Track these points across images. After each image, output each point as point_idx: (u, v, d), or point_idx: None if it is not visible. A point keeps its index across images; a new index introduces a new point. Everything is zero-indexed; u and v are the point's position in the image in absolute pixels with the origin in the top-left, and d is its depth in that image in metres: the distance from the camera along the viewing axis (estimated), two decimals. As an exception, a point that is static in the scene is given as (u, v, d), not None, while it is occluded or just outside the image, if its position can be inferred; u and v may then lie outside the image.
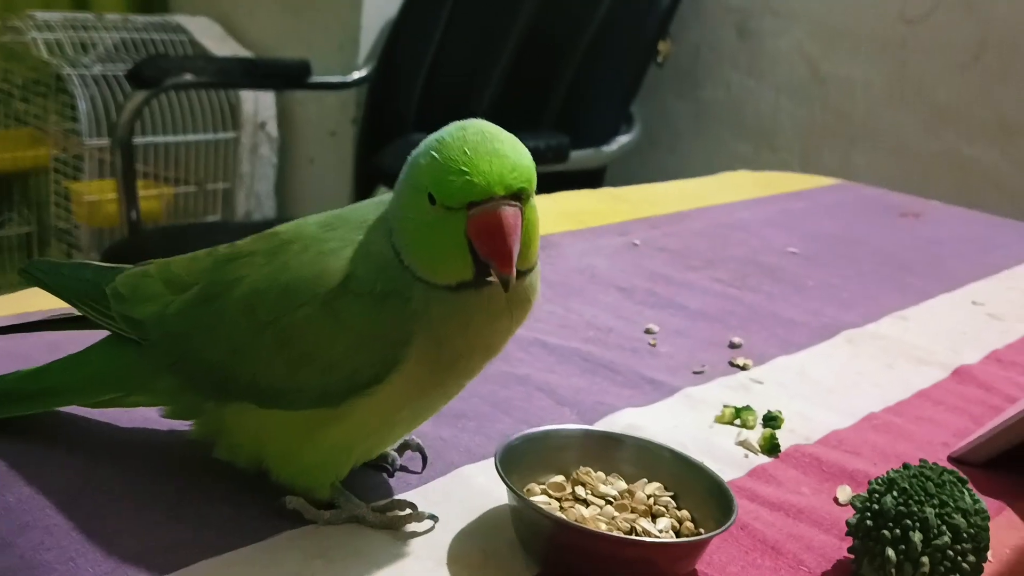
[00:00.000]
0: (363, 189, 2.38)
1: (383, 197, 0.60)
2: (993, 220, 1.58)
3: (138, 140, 2.47)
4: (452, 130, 0.54)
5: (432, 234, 0.54)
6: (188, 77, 2.18)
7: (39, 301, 0.80)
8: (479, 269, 0.54)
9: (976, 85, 2.04)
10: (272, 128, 2.83)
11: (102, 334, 0.65)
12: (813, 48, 2.25)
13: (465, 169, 0.52)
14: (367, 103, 2.40)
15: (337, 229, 0.59)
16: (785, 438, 0.76)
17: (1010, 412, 0.78)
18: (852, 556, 0.61)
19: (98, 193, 2.51)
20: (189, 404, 0.61)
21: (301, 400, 0.57)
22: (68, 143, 2.61)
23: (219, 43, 2.76)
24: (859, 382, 0.90)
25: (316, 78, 2.30)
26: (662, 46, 2.27)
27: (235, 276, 0.59)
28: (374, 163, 2.03)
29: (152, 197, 2.57)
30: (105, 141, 2.54)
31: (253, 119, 2.78)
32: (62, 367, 0.65)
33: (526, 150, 0.54)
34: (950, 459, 0.77)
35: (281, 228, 0.61)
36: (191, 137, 2.66)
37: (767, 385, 0.87)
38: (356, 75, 2.40)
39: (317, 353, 0.56)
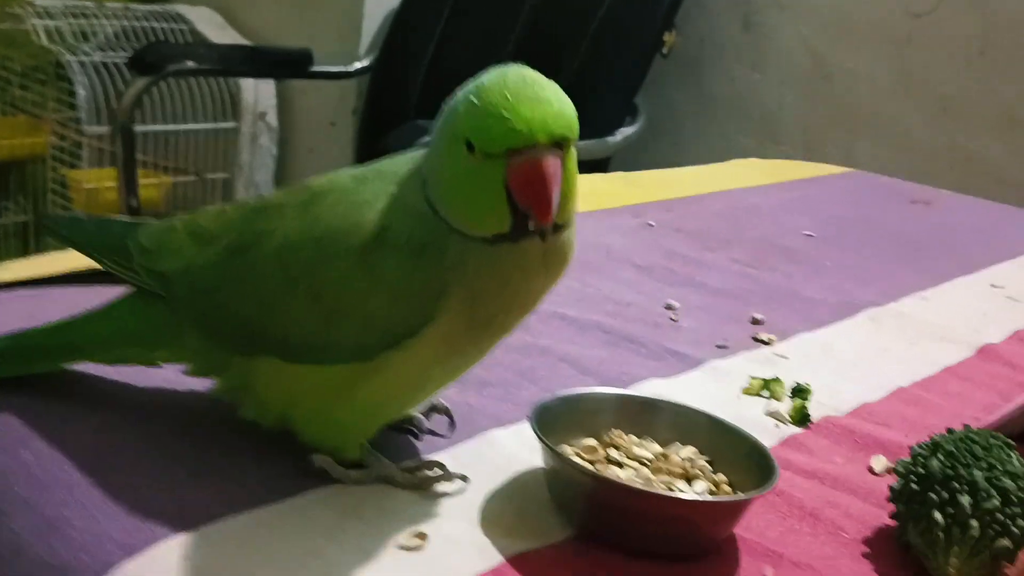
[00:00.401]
0: (364, 180, 2.36)
1: (416, 151, 0.59)
2: (1002, 208, 1.57)
3: (137, 128, 2.45)
4: (492, 75, 0.53)
5: (469, 183, 0.52)
6: (190, 64, 2.16)
7: (57, 265, 0.78)
8: (517, 220, 0.52)
9: (981, 79, 2.04)
10: (272, 118, 2.80)
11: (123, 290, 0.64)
12: (818, 41, 2.24)
13: (506, 115, 0.50)
14: (368, 93, 2.38)
15: (371, 182, 0.57)
16: (815, 410, 0.75)
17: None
18: (894, 523, 0.60)
19: (96, 181, 2.48)
20: (214, 360, 0.60)
21: (333, 355, 0.56)
22: (66, 131, 2.59)
23: (219, 32, 2.74)
24: (884, 358, 0.89)
25: (318, 67, 2.28)
26: (667, 37, 2.25)
27: (266, 228, 0.57)
28: (380, 147, 2.02)
29: (151, 186, 2.54)
30: (104, 129, 2.52)
31: (253, 109, 2.76)
32: (84, 322, 0.63)
33: (567, 98, 0.53)
34: (983, 432, 0.76)
35: (312, 180, 0.59)
36: (191, 126, 2.64)
37: (792, 360, 0.85)
38: (358, 65, 2.38)
39: (352, 307, 0.54)
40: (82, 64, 2.51)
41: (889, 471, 0.69)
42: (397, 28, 2.32)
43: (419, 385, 0.58)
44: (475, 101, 0.52)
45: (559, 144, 0.51)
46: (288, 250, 0.56)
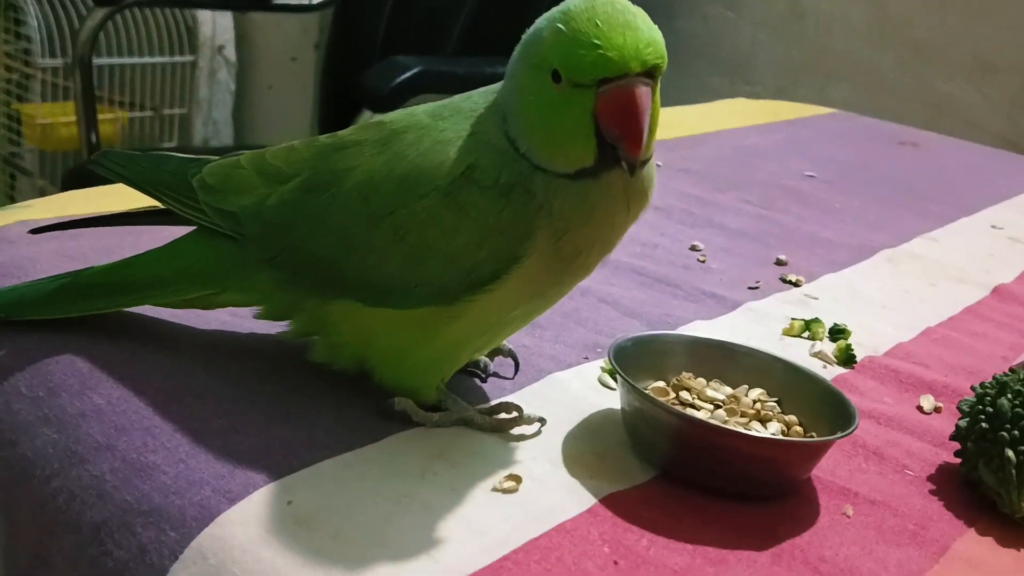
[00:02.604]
0: (329, 115, 2.31)
1: (493, 86, 0.57)
2: (985, 150, 1.59)
3: (93, 61, 2.37)
4: (578, 1, 0.51)
5: (555, 114, 0.51)
6: (151, -6, 2.09)
7: (85, 204, 0.76)
8: (602, 154, 0.51)
9: (954, 22, 2.05)
10: (230, 52, 2.73)
11: (171, 231, 0.62)
12: (792, -19, 2.23)
13: (598, 42, 0.49)
14: (332, 28, 2.31)
15: (449, 118, 0.56)
16: (855, 350, 0.76)
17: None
18: (955, 461, 0.61)
19: (51, 116, 2.40)
20: (287, 302, 0.58)
21: (414, 298, 0.55)
22: (14, 63, 2.49)
23: (175, -38, 2.64)
24: (907, 299, 0.90)
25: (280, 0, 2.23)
26: (643, -27, 2.23)
27: (344, 166, 0.55)
28: (358, 84, 1.97)
29: (107, 121, 2.47)
30: (57, 62, 2.43)
31: (211, 43, 2.68)
32: (146, 261, 0.61)
33: (655, 25, 0.51)
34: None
35: (387, 117, 0.57)
36: (147, 60, 2.56)
37: (822, 300, 0.86)
38: (321, -3, 2.32)
39: (437, 246, 0.53)
40: (34, -7, 2.41)
41: (937, 410, 0.70)
42: (361, -41, 2.25)
43: (498, 328, 0.58)
44: (562, 28, 0.50)
45: (649, 73, 0.50)
46: (371, 187, 0.54)
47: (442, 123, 0.55)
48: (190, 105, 2.70)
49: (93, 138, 2.06)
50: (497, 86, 0.56)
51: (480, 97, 0.57)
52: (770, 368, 0.62)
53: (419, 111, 0.57)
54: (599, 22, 0.49)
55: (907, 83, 2.12)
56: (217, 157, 0.60)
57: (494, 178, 0.53)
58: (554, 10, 0.52)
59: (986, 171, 1.42)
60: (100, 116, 2.31)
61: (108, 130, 2.49)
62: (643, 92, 0.49)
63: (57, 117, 2.42)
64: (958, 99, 2.07)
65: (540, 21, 0.53)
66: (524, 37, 0.54)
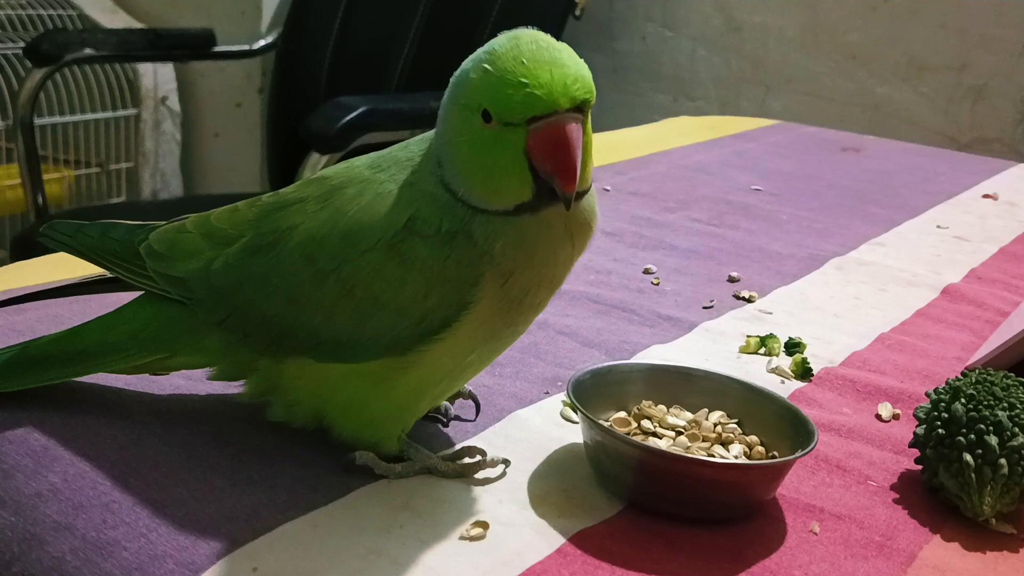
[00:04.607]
0: (277, 159, 2.31)
1: (427, 133, 0.57)
2: (926, 150, 1.62)
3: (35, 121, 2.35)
4: (503, 41, 0.51)
5: (488, 154, 0.51)
6: (88, 51, 2.08)
7: (34, 272, 0.75)
8: (539, 189, 0.51)
9: (886, 25, 2.10)
10: (174, 102, 2.72)
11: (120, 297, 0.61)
12: (726, -4, 2.27)
13: (525, 81, 0.49)
14: (275, 72, 2.31)
15: (387, 170, 0.56)
16: (812, 363, 0.77)
17: (1015, 322, 0.80)
18: (916, 468, 0.62)
19: (-6, 180, 2.38)
20: (240, 363, 0.58)
21: (366, 351, 0.54)
22: (-47, 129, 2.46)
23: (110, 17, 2.64)
24: (859, 306, 0.91)
25: (221, 47, 2.22)
26: (579, -1, 2.25)
27: (287, 224, 0.55)
28: (305, 127, 1.96)
29: (53, 181, 2.45)
30: (-1, 124, 2.41)
31: (153, 94, 2.67)
32: (98, 328, 0.60)
33: (581, 59, 0.52)
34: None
35: (328, 172, 0.57)
36: (90, 116, 2.54)
37: (776, 315, 0.87)
38: (261, 43, 2.32)
39: (385, 299, 0.53)
40: (-33, 57, 2.39)
41: (896, 417, 0.71)
42: (301, 1, 2.26)
43: (456, 374, 0.57)
44: (489, 68, 0.50)
45: (579, 108, 0.50)
46: (315, 244, 0.54)
47: (381, 175, 0.56)
48: (137, 158, 2.68)
49: (40, 200, 2.05)
50: (431, 133, 0.57)
51: (415, 145, 0.57)
52: (728, 390, 0.63)
53: (358, 164, 0.57)
54: (525, 60, 0.49)
55: (845, 88, 2.16)
56: (164, 222, 0.60)
57: (435, 227, 0.53)
58: (479, 51, 0.52)
59: (928, 171, 1.45)
60: (46, 176, 2.29)
61: (55, 190, 2.47)
62: (573, 128, 0.50)
63: (2, 181, 2.39)
64: (896, 100, 2.10)
65: (466, 63, 0.53)
66: (452, 80, 0.54)
